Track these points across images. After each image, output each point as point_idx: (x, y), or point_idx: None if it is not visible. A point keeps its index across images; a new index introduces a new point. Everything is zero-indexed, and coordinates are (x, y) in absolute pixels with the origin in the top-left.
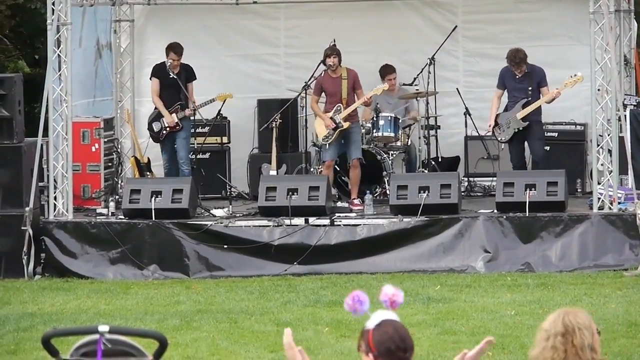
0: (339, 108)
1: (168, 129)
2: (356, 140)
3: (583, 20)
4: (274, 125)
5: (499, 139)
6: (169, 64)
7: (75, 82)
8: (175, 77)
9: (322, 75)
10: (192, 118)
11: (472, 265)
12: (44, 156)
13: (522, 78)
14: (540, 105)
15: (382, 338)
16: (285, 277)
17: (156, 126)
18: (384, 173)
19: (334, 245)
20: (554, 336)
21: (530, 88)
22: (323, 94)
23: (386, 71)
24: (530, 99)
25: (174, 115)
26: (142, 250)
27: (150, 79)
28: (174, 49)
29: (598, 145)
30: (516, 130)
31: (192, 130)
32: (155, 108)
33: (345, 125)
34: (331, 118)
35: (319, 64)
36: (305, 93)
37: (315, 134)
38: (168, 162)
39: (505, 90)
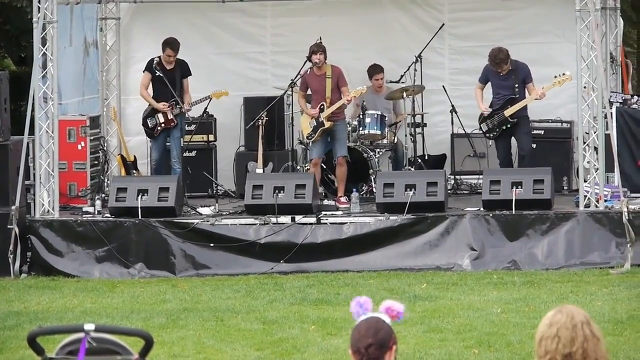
0: (322, 107)
1: (163, 124)
2: (342, 138)
3: (569, 17)
4: (260, 123)
5: (487, 135)
6: (165, 59)
7: (66, 81)
8: (162, 75)
9: (308, 72)
10: (187, 115)
11: (458, 263)
12: (30, 154)
13: (506, 75)
14: (537, 99)
15: (354, 336)
16: (271, 275)
17: (151, 122)
18: (371, 171)
19: (321, 243)
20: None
21: (516, 85)
22: (309, 90)
23: (374, 71)
24: (517, 95)
25: (168, 109)
26: (129, 249)
27: (143, 72)
28: (171, 44)
29: (584, 143)
30: (504, 127)
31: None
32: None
33: (327, 124)
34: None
35: (305, 60)
36: (292, 91)
37: (301, 131)
38: (158, 159)
39: (489, 86)
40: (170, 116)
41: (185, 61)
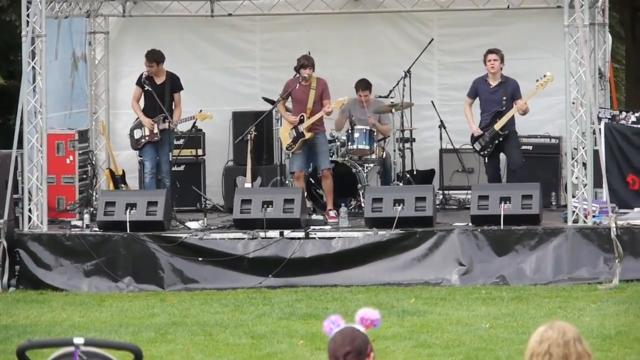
0: (302, 117)
1: (147, 137)
2: (323, 150)
3: (558, 33)
4: (249, 137)
5: (481, 153)
6: (148, 71)
7: (52, 95)
8: (149, 89)
9: (292, 80)
10: (175, 130)
11: (446, 278)
12: (18, 168)
13: (496, 88)
14: (513, 115)
15: (331, 347)
16: (260, 289)
17: (137, 133)
18: (359, 186)
19: (309, 258)
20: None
21: (504, 98)
22: (290, 100)
23: (359, 86)
24: (504, 109)
25: (154, 124)
26: (117, 263)
27: (136, 85)
28: (146, 55)
29: (573, 159)
30: (497, 142)
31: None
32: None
33: (308, 135)
34: (295, 127)
35: (295, 74)
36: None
37: (280, 142)
38: (151, 171)
39: (477, 101)
40: (155, 130)
41: (176, 75)
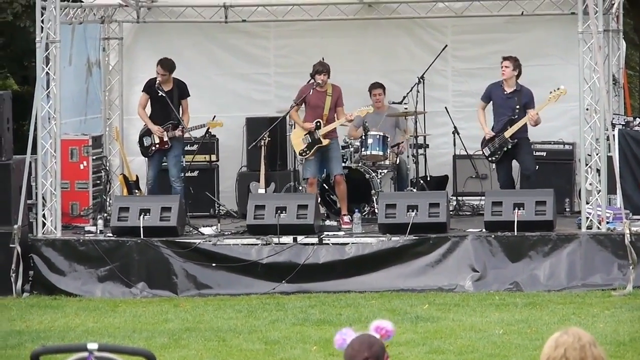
0: (318, 124)
1: (157, 145)
2: (336, 156)
3: (572, 40)
4: (262, 143)
5: (489, 159)
6: (159, 79)
7: (67, 101)
8: (164, 94)
9: (306, 86)
10: (183, 137)
11: (460, 284)
12: (32, 174)
13: (510, 95)
14: (526, 123)
15: (348, 353)
16: (273, 295)
17: (146, 141)
18: (373, 192)
19: (323, 263)
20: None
21: (517, 106)
22: (303, 106)
23: (372, 87)
24: (516, 117)
25: (164, 132)
26: (131, 268)
27: (142, 92)
28: (161, 63)
29: (586, 165)
30: (505, 149)
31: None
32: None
33: (325, 142)
34: (310, 133)
35: (309, 80)
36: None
37: (293, 148)
38: (153, 180)
39: (490, 106)
40: (165, 138)
41: (183, 82)
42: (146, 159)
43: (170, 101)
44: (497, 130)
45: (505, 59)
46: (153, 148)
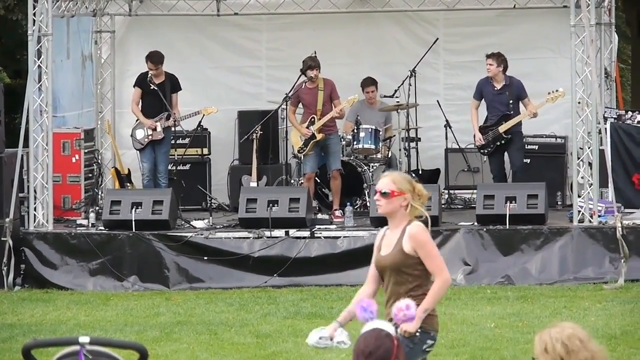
0: (312, 119)
1: (151, 136)
2: (335, 151)
3: (564, 33)
4: (254, 137)
5: (482, 151)
6: (151, 73)
7: (66, 94)
8: (155, 87)
9: (303, 86)
10: (173, 129)
11: (452, 278)
12: (24, 167)
13: (500, 90)
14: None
15: (355, 348)
16: (265, 289)
17: (139, 134)
18: (365, 185)
19: (314, 257)
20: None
21: (510, 101)
22: (300, 105)
23: (365, 84)
24: (511, 112)
25: (156, 123)
26: (122, 262)
27: (133, 87)
28: (150, 57)
29: (578, 158)
30: (499, 143)
31: (172, 142)
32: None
33: (319, 136)
34: (307, 128)
35: (300, 75)
36: (286, 105)
37: (293, 146)
38: (149, 173)
39: (483, 102)
40: (159, 129)
41: (174, 75)
42: (138, 152)
43: (163, 94)
44: (491, 123)
45: (488, 56)
46: (146, 139)
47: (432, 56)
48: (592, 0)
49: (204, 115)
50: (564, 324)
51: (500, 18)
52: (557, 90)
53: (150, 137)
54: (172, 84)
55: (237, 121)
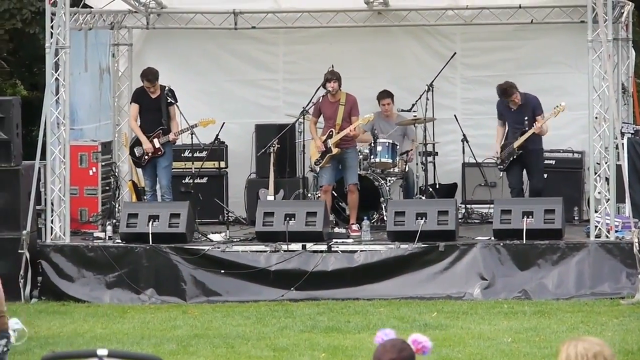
0: (331, 133)
1: (150, 154)
2: (352, 165)
3: (581, 48)
4: (271, 150)
5: (499, 167)
6: (149, 90)
7: (85, 107)
8: (152, 101)
9: (322, 98)
10: (174, 143)
11: (469, 292)
12: (41, 179)
13: (517, 110)
14: (540, 136)
15: (378, 351)
16: (282, 302)
17: (138, 151)
18: (382, 199)
19: (331, 271)
20: None
21: (526, 118)
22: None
23: (381, 96)
24: (527, 128)
25: (154, 141)
26: (139, 275)
27: (130, 103)
28: (146, 75)
29: (595, 173)
30: (512, 159)
31: (190, 155)
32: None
33: (335, 151)
34: (323, 142)
35: (319, 88)
36: (304, 118)
37: (310, 158)
38: (151, 189)
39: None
40: (157, 145)
41: (171, 89)
42: (140, 168)
43: (159, 108)
44: (509, 142)
45: (507, 89)
46: (145, 157)
47: (449, 70)
48: (609, 15)
49: (195, 126)
50: (592, 340)
51: (517, 33)
52: (559, 105)
53: (149, 155)
54: (169, 97)
55: (255, 134)
